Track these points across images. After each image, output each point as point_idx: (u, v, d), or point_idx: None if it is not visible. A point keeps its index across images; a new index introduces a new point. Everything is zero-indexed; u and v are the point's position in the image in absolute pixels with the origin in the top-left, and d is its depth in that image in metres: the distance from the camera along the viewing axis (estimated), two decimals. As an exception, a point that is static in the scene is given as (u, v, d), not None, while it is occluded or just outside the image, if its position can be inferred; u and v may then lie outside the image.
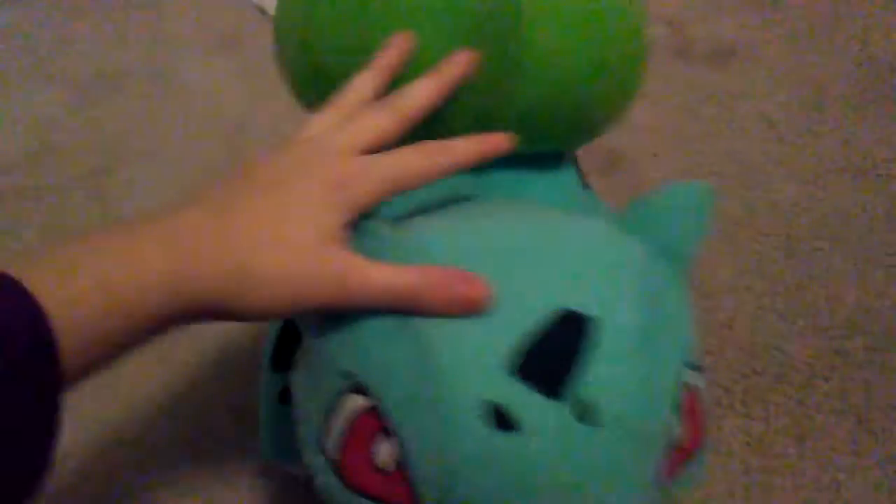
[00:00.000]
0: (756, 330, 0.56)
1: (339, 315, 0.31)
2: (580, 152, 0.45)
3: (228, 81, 0.87)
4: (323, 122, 0.32)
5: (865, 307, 0.57)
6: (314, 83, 0.38)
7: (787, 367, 0.53)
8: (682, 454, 0.31)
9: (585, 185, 0.44)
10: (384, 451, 0.29)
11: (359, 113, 0.32)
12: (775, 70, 0.87)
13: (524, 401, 0.27)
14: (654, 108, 0.82)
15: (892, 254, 0.62)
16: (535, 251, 0.31)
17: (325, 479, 0.32)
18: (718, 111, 0.81)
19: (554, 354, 0.28)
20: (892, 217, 0.66)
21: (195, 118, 0.83)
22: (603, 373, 0.28)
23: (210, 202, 0.29)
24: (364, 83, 0.33)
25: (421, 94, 0.32)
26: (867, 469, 0.46)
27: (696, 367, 0.32)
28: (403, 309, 0.29)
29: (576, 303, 0.29)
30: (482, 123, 0.35)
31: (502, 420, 0.27)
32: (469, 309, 0.28)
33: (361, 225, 0.31)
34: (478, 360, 0.28)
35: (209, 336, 0.57)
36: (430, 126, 0.34)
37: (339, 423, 0.30)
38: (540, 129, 0.37)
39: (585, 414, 0.27)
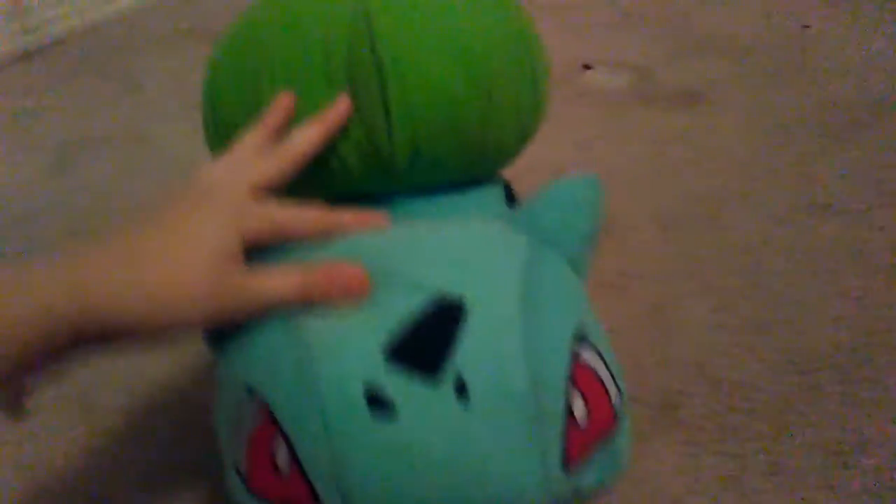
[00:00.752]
0: (728, 367, 0.56)
1: (238, 334, 0.33)
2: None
3: (202, 144, 0.88)
4: (216, 167, 0.36)
5: (835, 341, 0.58)
6: (222, 139, 0.41)
7: (760, 403, 0.53)
8: (587, 435, 0.31)
9: (512, 204, 0.45)
10: (280, 454, 0.30)
11: (248, 159, 0.36)
12: (739, 112, 0.90)
13: (399, 384, 0.28)
14: (621, 150, 0.84)
15: (859, 287, 0.63)
16: (408, 247, 0.33)
17: (240, 497, 0.32)
18: (684, 153, 0.83)
19: (427, 337, 0.29)
20: (857, 251, 0.67)
21: (171, 180, 0.84)
22: (475, 351, 0.29)
23: (109, 240, 0.32)
24: (253, 135, 0.37)
25: (302, 140, 0.37)
26: (842, 503, 0.46)
27: (594, 348, 0.33)
28: (295, 303, 0.32)
29: (449, 289, 0.30)
30: (371, 156, 0.38)
31: (380, 405, 0.28)
32: (350, 291, 0.32)
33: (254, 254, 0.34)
34: (353, 348, 0.29)
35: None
36: (326, 161, 0.38)
37: (242, 434, 0.31)
38: (430, 158, 0.39)
39: (459, 392, 0.28)
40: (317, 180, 0.39)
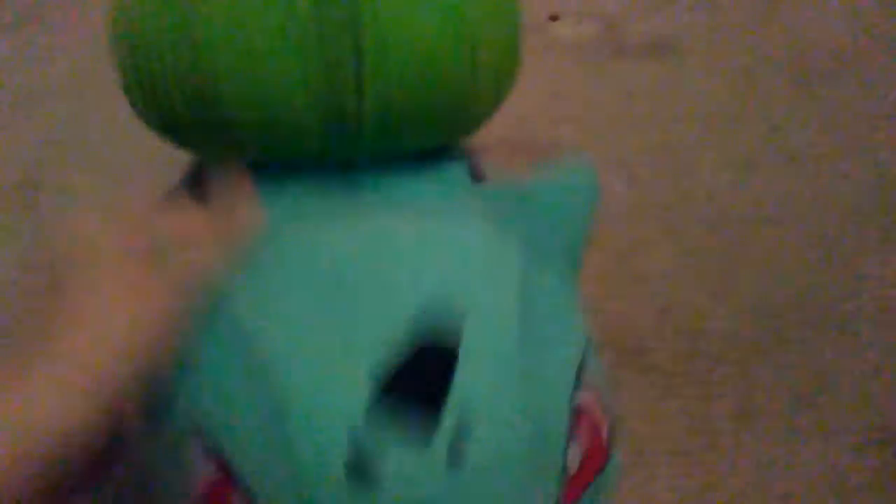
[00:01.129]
0: (694, 313, 0.56)
1: (189, 364, 0.27)
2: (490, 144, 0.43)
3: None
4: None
5: (800, 287, 0.58)
6: (146, 92, 0.35)
7: (726, 348, 0.53)
8: (581, 478, 0.30)
9: (478, 178, 0.41)
10: None
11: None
12: (707, 63, 0.89)
13: (383, 450, 0.25)
14: (588, 101, 0.83)
15: (824, 234, 0.63)
16: (387, 258, 0.28)
17: None
18: (652, 103, 0.82)
19: (414, 394, 0.26)
20: (822, 198, 0.67)
21: (123, 121, 0.80)
22: (470, 409, 0.26)
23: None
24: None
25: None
26: (806, 444, 0.47)
27: (591, 384, 0.30)
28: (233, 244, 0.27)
29: (439, 325, 0.26)
30: (337, 122, 0.33)
31: (362, 473, 0.25)
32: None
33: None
34: (332, 411, 0.26)
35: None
36: (278, 119, 0.32)
37: (187, 482, 0.27)
38: (401, 121, 0.34)
39: (451, 455, 0.25)
40: (266, 142, 0.34)
